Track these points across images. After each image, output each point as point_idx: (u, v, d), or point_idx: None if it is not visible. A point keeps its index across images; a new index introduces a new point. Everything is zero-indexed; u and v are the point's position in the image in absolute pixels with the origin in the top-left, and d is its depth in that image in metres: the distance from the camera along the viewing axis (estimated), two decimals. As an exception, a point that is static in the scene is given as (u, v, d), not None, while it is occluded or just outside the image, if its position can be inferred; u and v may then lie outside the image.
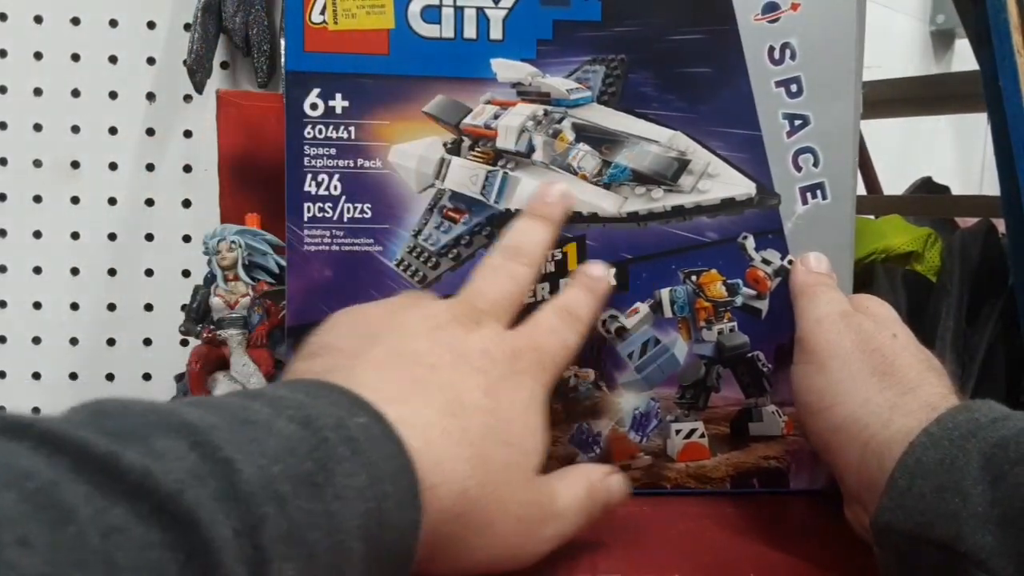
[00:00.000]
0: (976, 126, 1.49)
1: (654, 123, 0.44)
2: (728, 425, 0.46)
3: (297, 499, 0.25)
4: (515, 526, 0.33)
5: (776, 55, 0.44)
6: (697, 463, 0.46)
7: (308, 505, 0.26)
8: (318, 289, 0.44)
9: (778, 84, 0.44)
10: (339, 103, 0.43)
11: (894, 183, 0.96)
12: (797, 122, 0.45)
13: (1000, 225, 0.63)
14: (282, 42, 0.82)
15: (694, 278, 0.45)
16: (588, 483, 0.37)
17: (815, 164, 0.45)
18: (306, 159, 0.44)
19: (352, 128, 0.43)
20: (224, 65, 0.88)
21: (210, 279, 0.66)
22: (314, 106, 0.43)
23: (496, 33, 0.43)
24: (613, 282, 0.44)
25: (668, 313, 0.45)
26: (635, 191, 0.44)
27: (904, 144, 1.35)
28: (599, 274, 0.41)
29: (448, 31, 0.43)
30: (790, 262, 0.45)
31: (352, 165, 0.44)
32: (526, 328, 0.38)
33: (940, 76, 1.11)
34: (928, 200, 0.90)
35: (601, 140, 0.44)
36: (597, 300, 0.40)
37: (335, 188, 0.44)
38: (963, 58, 1.53)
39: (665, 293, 0.45)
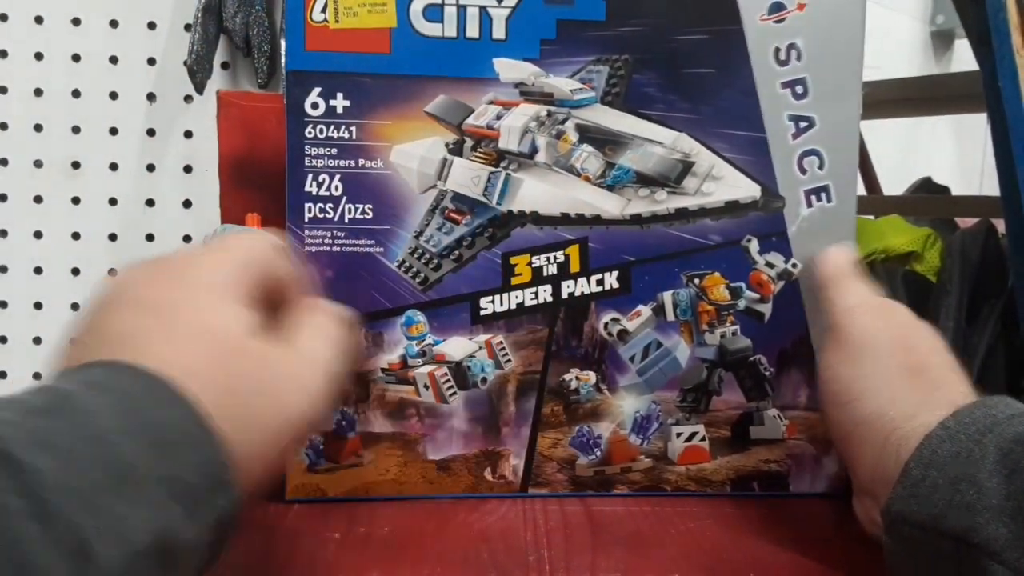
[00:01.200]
0: (976, 126, 1.49)
1: (658, 124, 0.44)
2: (729, 428, 0.46)
3: (32, 421, 0.25)
4: (257, 401, 0.31)
5: (782, 56, 0.44)
6: (698, 466, 0.46)
7: (47, 423, 0.25)
8: (319, 290, 0.44)
9: (784, 85, 0.44)
10: (340, 102, 0.43)
11: (894, 183, 0.96)
12: (803, 124, 0.44)
13: (1000, 225, 0.63)
14: (282, 42, 0.82)
15: (697, 281, 0.45)
16: (328, 322, 0.36)
17: (820, 166, 0.44)
18: (307, 159, 0.43)
19: (353, 128, 0.43)
20: (224, 65, 0.88)
21: (211, 279, 0.66)
22: (315, 105, 0.43)
23: (499, 32, 0.43)
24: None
25: (670, 316, 0.45)
26: (638, 193, 0.44)
27: (904, 144, 1.35)
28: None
29: (451, 30, 0.43)
30: (794, 265, 0.45)
31: (353, 165, 0.43)
32: None
33: (940, 76, 1.11)
34: (928, 200, 0.90)
35: (604, 141, 0.44)
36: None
37: (336, 188, 0.43)
38: (963, 58, 1.53)
39: (667, 296, 0.45)
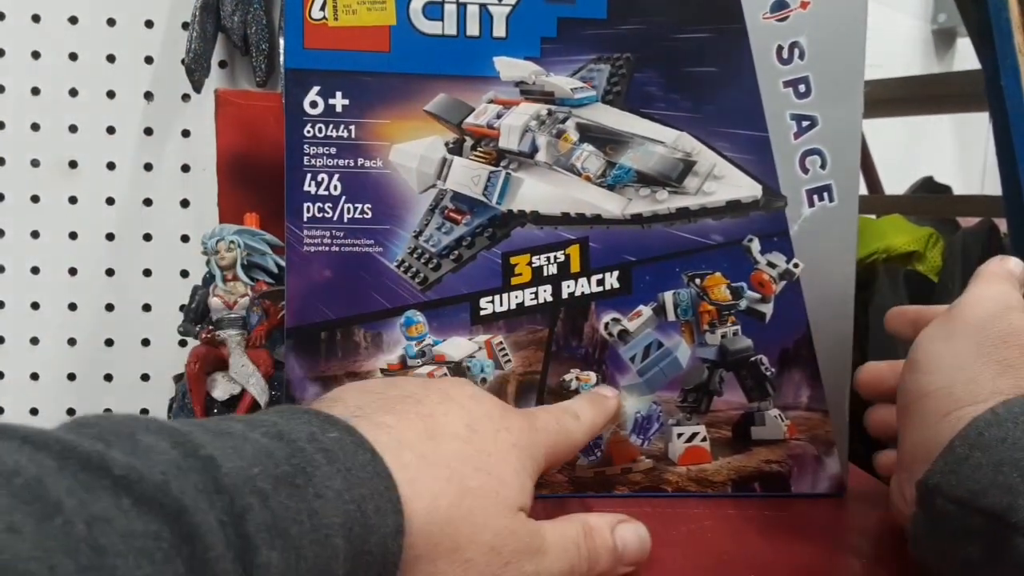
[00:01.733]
0: (978, 125, 1.49)
1: (659, 123, 0.44)
2: (730, 429, 0.46)
3: (278, 495, 0.25)
4: (487, 556, 0.32)
5: (784, 54, 0.44)
6: (698, 467, 0.46)
7: (289, 502, 0.26)
8: (318, 290, 0.44)
9: (786, 84, 0.44)
10: (339, 101, 0.43)
11: (895, 183, 0.96)
12: (805, 123, 0.44)
13: (1002, 225, 0.63)
14: (281, 41, 0.82)
15: (698, 281, 0.45)
16: (583, 524, 0.36)
17: (822, 166, 0.44)
18: (306, 158, 0.43)
19: (352, 127, 0.43)
20: (222, 64, 0.88)
21: (209, 279, 0.66)
22: (314, 104, 0.43)
23: (499, 30, 0.43)
24: (621, 404, 0.44)
25: (671, 316, 0.45)
26: (639, 192, 0.44)
27: (905, 144, 1.35)
28: (609, 393, 0.41)
29: (451, 28, 0.42)
30: (795, 265, 0.45)
31: (352, 164, 0.43)
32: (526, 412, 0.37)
33: (942, 75, 1.11)
34: (929, 200, 0.90)
35: (605, 140, 0.44)
36: (602, 414, 0.40)
37: (335, 188, 0.43)
38: (965, 57, 1.52)
39: (668, 296, 0.45)
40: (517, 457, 0.34)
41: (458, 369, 0.44)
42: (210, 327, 0.64)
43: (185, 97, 0.88)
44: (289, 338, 0.44)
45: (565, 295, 0.44)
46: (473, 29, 0.43)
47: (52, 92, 0.87)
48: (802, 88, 0.44)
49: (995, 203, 0.61)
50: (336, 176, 0.43)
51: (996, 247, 0.66)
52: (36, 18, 0.86)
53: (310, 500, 0.26)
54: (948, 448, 0.33)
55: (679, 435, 0.46)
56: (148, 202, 0.89)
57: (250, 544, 0.24)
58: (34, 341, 0.89)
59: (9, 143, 0.87)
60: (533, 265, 0.44)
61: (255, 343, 0.63)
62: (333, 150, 0.43)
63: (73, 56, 0.87)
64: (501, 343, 0.44)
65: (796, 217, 0.45)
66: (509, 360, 0.44)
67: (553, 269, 0.44)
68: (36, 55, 0.86)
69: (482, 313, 0.44)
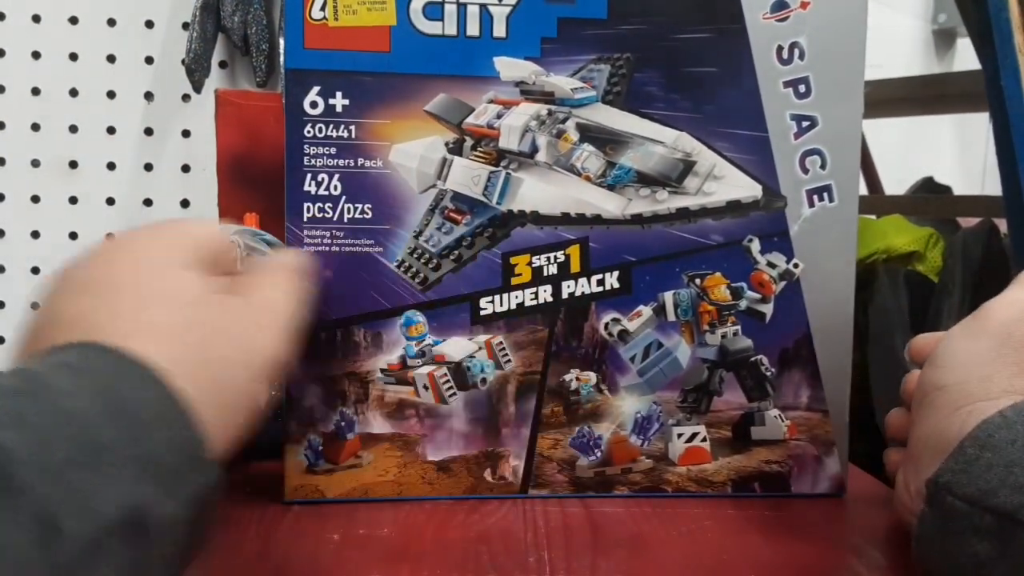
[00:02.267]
0: (978, 126, 1.49)
1: (659, 123, 0.44)
2: (730, 429, 0.46)
3: (5, 401, 0.26)
4: (221, 355, 0.32)
5: (784, 55, 0.44)
6: (698, 467, 0.46)
7: (21, 403, 0.26)
8: (323, 290, 0.43)
9: (786, 84, 0.44)
10: (339, 101, 0.43)
11: (896, 183, 0.96)
12: (805, 123, 0.44)
13: (1002, 225, 0.63)
14: (281, 41, 0.82)
15: (698, 281, 0.45)
16: (277, 275, 0.37)
17: (822, 166, 0.44)
18: (306, 158, 0.43)
19: (352, 127, 0.43)
20: (223, 64, 0.88)
21: (209, 279, 0.66)
22: (314, 104, 0.43)
23: (500, 30, 0.43)
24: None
25: (671, 316, 0.45)
26: (639, 193, 0.44)
27: (906, 144, 1.35)
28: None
29: (451, 28, 0.42)
30: (795, 265, 0.45)
31: (352, 164, 0.43)
32: None
33: (942, 76, 1.11)
34: (930, 200, 0.90)
35: (605, 140, 0.44)
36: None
37: (335, 188, 0.43)
38: (965, 57, 1.52)
39: (668, 296, 0.45)
40: (168, 267, 0.34)
41: (458, 369, 0.44)
42: (210, 327, 0.64)
43: (185, 97, 0.88)
44: None
45: (565, 295, 0.44)
46: (473, 29, 0.43)
47: (53, 92, 0.87)
48: (802, 88, 0.44)
49: (995, 203, 0.61)
50: (336, 176, 0.43)
51: (996, 247, 0.66)
52: (36, 18, 0.86)
53: (49, 397, 0.26)
54: (959, 449, 0.34)
55: (679, 435, 0.46)
56: (148, 202, 0.89)
57: None
58: (34, 341, 0.89)
59: (10, 143, 0.87)
60: (533, 265, 0.44)
61: (255, 343, 0.63)
62: (333, 150, 0.43)
63: (73, 56, 0.87)
64: (501, 343, 0.44)
65: (796, 217, 0.45)
66: (509, 360, 0.44)
67: (553, 269, 0.44)
68: (37, 55, 0.87)
69: (482, 313, 0.44)
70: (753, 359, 0.46)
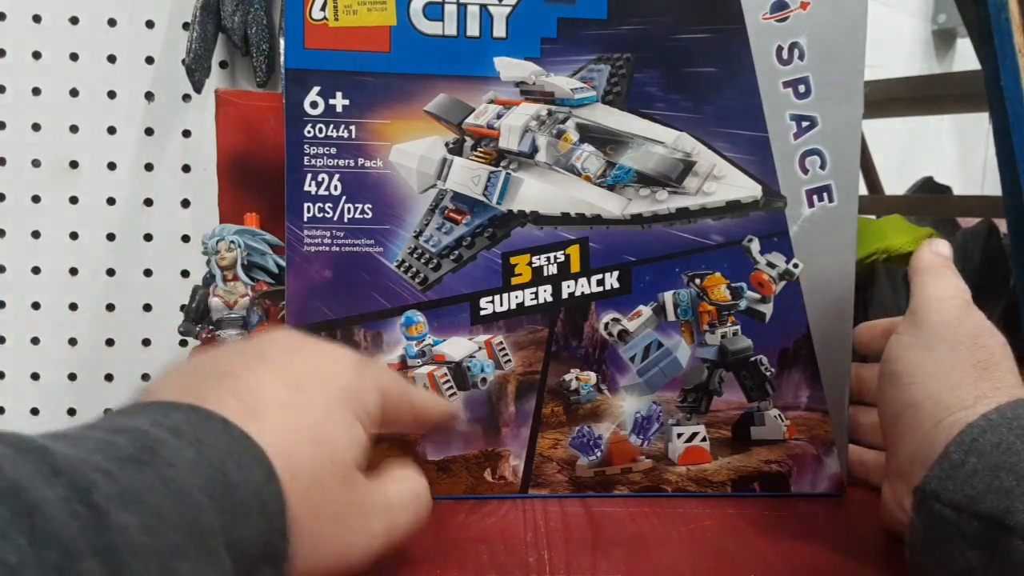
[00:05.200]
0: (978, 126, 1.49)
1: (659, 123, 0.43)
2: (730, 429, 0.46)
3: (124, 472, 0.25)
4: (334, 525, 0.32)
5: (784, 55, 0.44)
6: (698, 467, 0.46)
7: (138, 475, 0.25)
8: (318, 290, 0.43)
9: (786, 84, 0.44)
10: (340, 101, 0.43)
11: (895, 183, 0.96)
12: (805, 123, 0.44)
13: (1001, 225, 0.63)
14: (281, 41, 0.82)
15: (698, 281, 0.45)
16: (418, 478, 0.37)
17: (822, 166, 0.44)
18: (306, 158, 0.43)
19: (353, 127, 0.43)
20: (223, 64, 0.88)
21: (209, 279, 0.66)
22: (314, 104, 0.43)
23: (500, 31, 0.42)
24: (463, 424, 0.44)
25: (671, 316, 0.45)
26: (639, 193, 0.44)
27: (905, 144, 1.35)
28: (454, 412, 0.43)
29: (451, 28, 0.42)
30: (795, 265, 0.45)
31: (353, 165, 0.43)
32: None
33: (942, 76, 1.11)
34: (929, 200, 0.90)
35: (605, 141, 0.43)
36: (437, 407, 0.40)
37: (335, 188, 0.43)
38: (965, 57, 1.52)
39: (668, 296, 0.44)
40: (346, 406, 0.34)
41: (458, 369, 0.44)
42: (210, 327, 0.64)
43: (186, 97, 0.88)
44: None
45: (565, 295, 0.44)
46: (473, 29, 0.42)
47: (53, 92, 0.87)
48: (802, 88, 0.44)
49: (995, 203, 0.61)
50: (336, 176, 0.43)
51: (996, 247, 0.66)
52: (37, 18, 0.86)
53: (162, 470, 0.26)
54: (944, 454, 0.34)
55: (679, 435, 0.45)
56: (149, 202, 0.89)
57: (99, 511, 0.23)
58: (35, 341, 0.89)
59: (10, 143, 0.87)
60: (533, 265, 0.44)
61: (255, 343, 0.63)
62: (333, 150, 0.43)
63: (74, 56, 0.87)
64: (501, 343, 0.44)
65: (796, 217, 0.45)
66: (509, 360, 0.44)
67: (553, 269, 0.44)
68: (37, 55, 0.87)
69: (482, 313, 0.44)
70: (753, 359, 0.45)
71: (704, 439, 0.46)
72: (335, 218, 0.43)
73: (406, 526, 0.35)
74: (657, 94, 0.43)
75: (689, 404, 0.45)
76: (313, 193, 0.43)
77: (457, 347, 0.44)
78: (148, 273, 0.90)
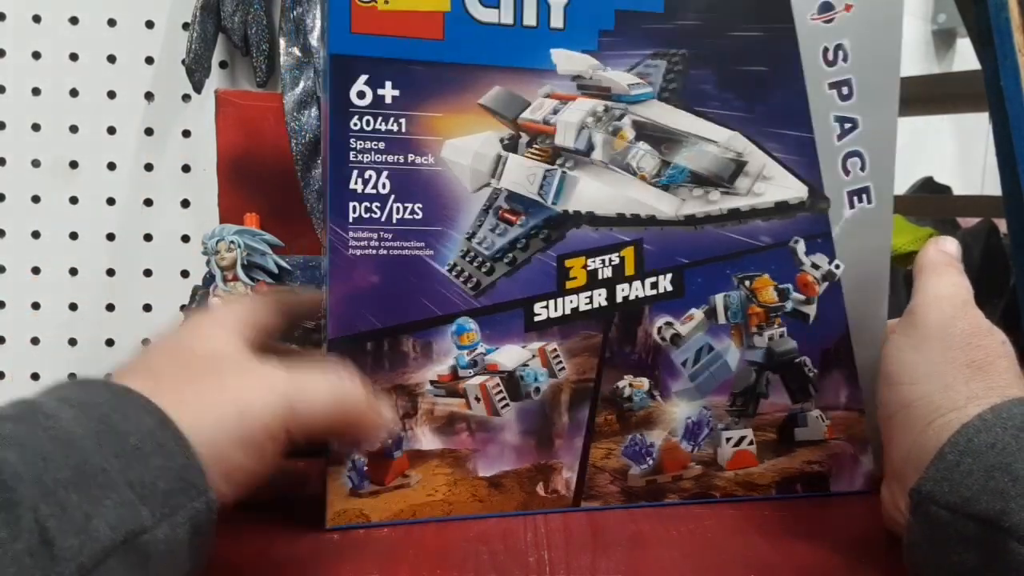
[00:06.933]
0: (978, 126, 1.48)
1: (713, 122, 0.42)
2: (775, 431, 0.45)
3: (2, 427, 0.26)
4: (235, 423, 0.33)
5: (830, 56, 0.43)
6: (745, 470, 0.45)
7: (16, 428, 0.27)
8: (364, 297, 0.40)
9: (831, 86, 0.43)
10: (389, 92, 0.39)
11: (895, 183, 0.96)
12: (847, 125, 0.43)
13: (1001, 225, 0.63)
14: (281, 41, 0.82)
15: (748, 283, 0.44)
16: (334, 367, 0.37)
17: (862, 168, 0.44)
18: (352, 154, 0.39)
19: (403, 120, 0.40)
20: (223, 64, 0.87)
21: (209, 279, 0.66)
22: (361, 95, 0.39)
23: (557, 21, 0.40)
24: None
25: (722, 319, 0.44)
26: (692, 193, 0.42)
27: (905, 144, 1.35)
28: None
29: (507, 16, 0.40)
30: (837, 266, 0.44)
31: (402, 161, 0.40)
32: None
33: (941, 76, 1.11)
34: (929, 200, 0.90)
35: (661, 139, 0.42)
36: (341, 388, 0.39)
37: (383, 186, 0.40)
38: (965, 57, 1.52)
39: (720, 299, 0.43)
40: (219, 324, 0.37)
41: (511, 379, 0.42)
42: (210, 327, 0.64)
43: (186, 97, 0.88)
44: (332, 350, 0.40)
45: (619, 299, 0.42)
46: (530, 18, 0.40)
47: (53, 92, 0.87)
48: (845, 90, 0.43)
49: (995, 203, 0.61)
50: (385, 173, 0.40)
51: (995, 247, 0.66)
52: (37, 19, 0.86)
53: (41, 423, 0.27)
54: (939, 455, 0.34)
55: (728, 439, 0.45)
56: (148, 202, 0.89)
57: None
58: (35, 341, 0.89)
59: (10, 143, 0.87)
60: (588, 268, 0.42)
61: (255, 343, 0.63)
62: (382, 145, 0.40)
63: (74, 56, 0.87)
64: (555, 350, 0.42)
65: (838, 219, 0.44)
66: (563, 368, 0.42)
67: (608, 272, 0.42)
68: (37, 55, 0.86)
69: (536, 319, 0.42)
70: (797, 360, 0.45)
71: (751, 442, 0.45)
72: (383, 218, 0.40)
73: (297, 396, 0.34)
74: (711, 92, 0.42)
75: (737, 408, 0.45)
76: (360, 192, 0.40)
77: (510, 355, 0.42)
78: (148, 273, 0.89)
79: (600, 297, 0.42)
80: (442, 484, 0.42)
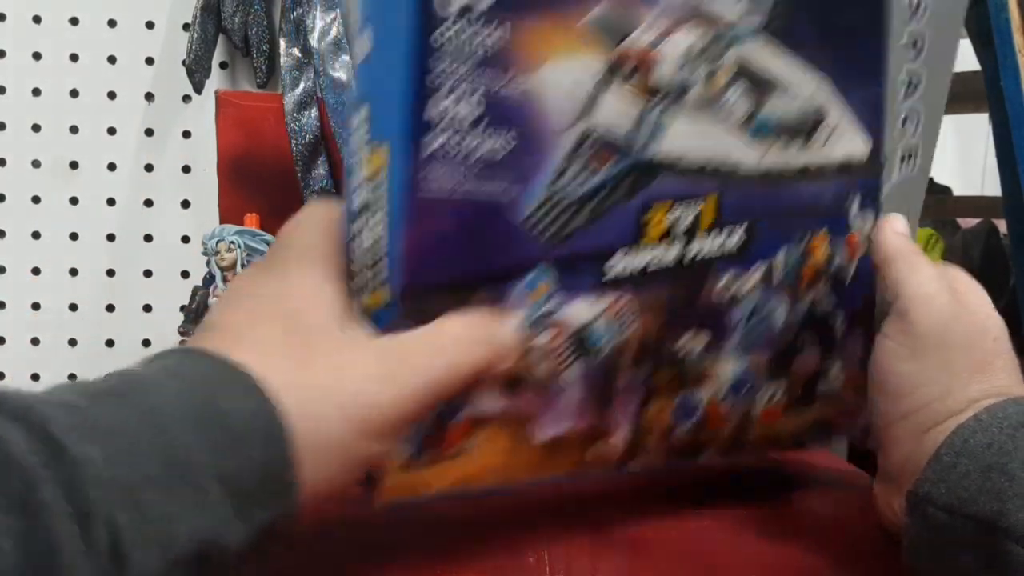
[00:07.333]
0: (978, 126, 1.48)
1: (803, 70, 0.40)
2: (800, 386, 0.45)
3: (95, 407, 0.24)
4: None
5: (913, 7, 0.41)
6: (772, 425, 0.45)
7: (110, 408, 0.24)
8: (436, 246, 0.34)
9: (907, 42, 0.42)
10: (479, 2, 0.32)
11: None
12: (913, 82, 0.42)
13: (1001, 225, 0.63)
14: (281, 41, 0.82)
15: (805, 240, 0.42)
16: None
17: (915, 131, 0.43)
18: (430, 77, 0.31)
19: (493, 37, 0.32)
20: (223, 65, 0.87)
21: (209, 280, 0.66)
22: (445, 2, 0.31)
23: None
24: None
25: (779, 276, 0.42)
26: (774, 145, 0.40)
27: (906, 144, 1.35)
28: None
29: None
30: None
31: (490, 87, 0.33)
32: None
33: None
34: (929, 200, 0.90)
35: (757, 82, 0.40)
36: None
37: (466, 116, 0.33)
38: (965, 57, 1.52)
39: (780, 256, 0.42)
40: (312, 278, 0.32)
41: (578, 336, 0.38)
42: (210, 327, 0.64)
43: (186, 98, 0.88)
44: (402, 303, 0.34)
45: (692, 253, 0.40)
46: None
47: (53, 93, 0.87)
48: (918, 46, 0.42)
49: (995, 204, 0.61)
50: (469, 99, 0.33)
51: (996, 247, 0.66)
52: (37, 19, 0.86)
53: (138, 400, 0.25)
54: (935, 457, 0.34)
55: (762, 395, 0.44)
56: (149, 203, 0.89)
57: (56, 443, 0.22)
58: (35, 342, 0.89)
59: (10, 144, 0.87)
60: (668, 219, 0.39)
61: (255, 343, 0.63)
62: (467, 66, 0.32)
63: (74, 57, 0.87)
64: (625, 305, 0.39)
65: (888, 181, 0.43)
66: (630, 324, 0.40)
67: (686, 224, 0.39)
68: (37, 56, 0.86)
69: (611, 273, 0.38)
70: (831, 319, 0.44)
71: (781, 397, 0.44)
72: (461, 155, 0.33)
73: (425, 376, 0.31)
74: (805, 38, 0.40)
75: (776, 364, 0.44)
76: (437, 121, 0.32)
77: (580, 311, 0.38)
78: (148, 274, 0.89)
79: (674, 250, 0.39)
80: (500, 449, 0.38)
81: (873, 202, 0.43)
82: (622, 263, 0.38)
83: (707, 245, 0.40)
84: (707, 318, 0.41)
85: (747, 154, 0.39)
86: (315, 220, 0.34)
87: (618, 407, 0.40)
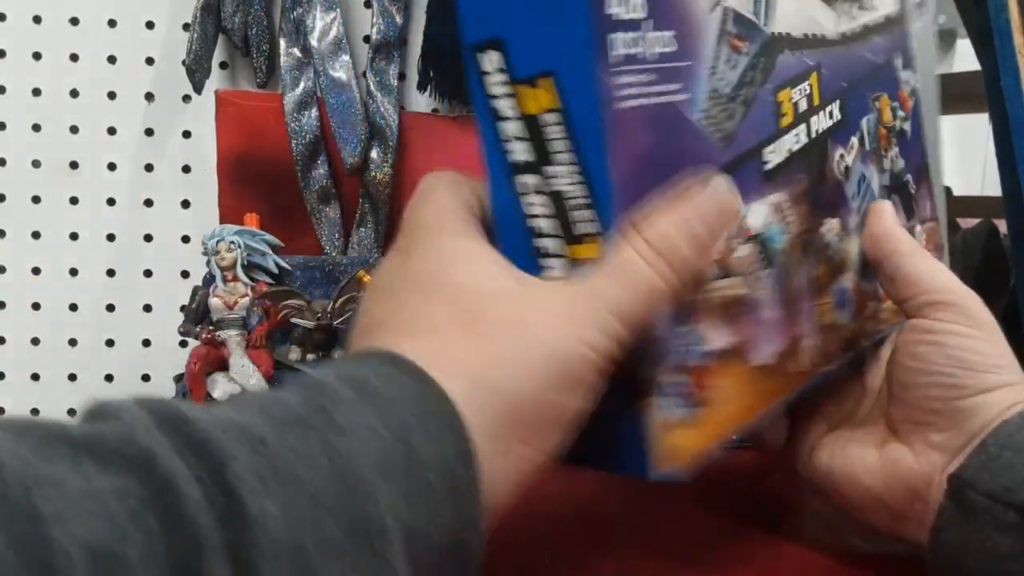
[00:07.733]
0: (978, 126, 1.48)
1: None
2: None
3: (282, 440, 0.22)
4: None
5: None
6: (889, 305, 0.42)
7: (297, 444, 0.22)
8: (641, 167, 0.30)
9: None
10: None
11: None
12: None
13: (1002, 225, 0.63)
14: (281, 42, 0.82)
15: (877, 104, 0.41)
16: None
17: None
18: None
19: None
20: (223, 65, 0.87)
21: (209, 280, 0.66)
22: None
23: None
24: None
25: (868, 145, 0.41)
26: (842, 7, 0.39)
27: (905, 144, 1.35)
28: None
29: None
30: (919, 81, 0.44)
31: None
32: None
33: (942, 76, 1.11)
34: (929, 200, 0.89)
35: None
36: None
37: (640, 8, 0.30)
38: (964, 58, 1.52)
39: (865, 123, 0.40)
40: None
41: (762, 237, 0.36)
42: (211, 327, 0.64)
43: (186, 98, 0.88)
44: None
45: (814, 134, 0.38)
46: None
47: (53, 93, 0.87)
48: None
49: (995, 204, 0.61)
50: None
51: (996, 247, 0.66)
52: (37, 19, 0.86)
53: (330, 438, 0.22)
54: (981, 446, 0.36)
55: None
56: (149, 203, 0.89)
57: (234, 496, 0.20)
58: (35, 342, 0.89)
59: (9, 144, 0.87)
60: (793, 100, 0.37)
61: (255, 343, 0.63)
62: None
63: (74, 57, 0.87)
64: (785, 200, 0.37)
65: (910, 33, 0.44)
66: (792, 220, 0.37)
67: (804, 104, 0.37)
68: (37, 56, 0.86)
69: (767, 167, 0.36)
70: (905, 179, 0.44)
71: None
72: (643, 54, 0.30)
73: (614, 314, 0.28)
74: None
75: None
76: (619, 18, 0.29)
77: (757, 214, 0.36)
78: (148, 274, 0.89)
79: (803, 133, 0.37)
80: (741, 384, 0.35)
81: (908, 57, 0.43)
82: (774, 154, 0.36)
83: (822, 122, 0.38)
84: (832, 198, 0.39)
85: (829, 20, 0.38)
86: (440, 190, 0.33)
87: (803, 312, 0.38)
